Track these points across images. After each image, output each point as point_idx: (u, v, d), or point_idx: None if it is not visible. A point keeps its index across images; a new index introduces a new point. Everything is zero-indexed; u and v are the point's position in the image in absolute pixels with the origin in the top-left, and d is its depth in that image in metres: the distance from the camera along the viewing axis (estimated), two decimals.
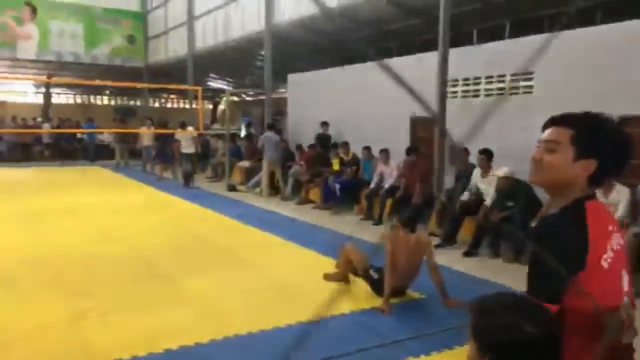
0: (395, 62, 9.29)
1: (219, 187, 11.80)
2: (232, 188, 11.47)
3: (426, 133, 8.35)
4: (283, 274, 5.35)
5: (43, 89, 22.42)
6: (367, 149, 8.66)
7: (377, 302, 4.41)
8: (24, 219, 7.93)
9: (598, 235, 1.35)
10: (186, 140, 12.15)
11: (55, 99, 23.05)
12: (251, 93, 22.17)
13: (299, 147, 10.80)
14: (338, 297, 4.65)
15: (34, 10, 18.14)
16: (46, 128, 17.87)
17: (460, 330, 2.08)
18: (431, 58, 7.89)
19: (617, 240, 1.41)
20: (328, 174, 9.25)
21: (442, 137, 7.21)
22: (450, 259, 5.57)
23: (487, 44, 7.61)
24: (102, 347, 3.59)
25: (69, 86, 23.32)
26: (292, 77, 12.47)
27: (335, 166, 9.44)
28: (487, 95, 7.49)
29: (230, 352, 3.59)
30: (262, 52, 13.56)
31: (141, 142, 14.72)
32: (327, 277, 5.10)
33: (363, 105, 9.61)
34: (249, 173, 12.19)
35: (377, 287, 4.52)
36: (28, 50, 18.32)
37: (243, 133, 19.48)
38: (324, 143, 10.24)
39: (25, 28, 18.16)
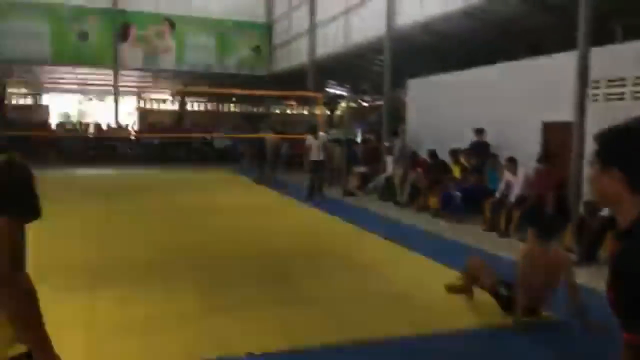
0: (526, 64, 8.74)
1: (334, 192, 11.98)
2: (348, 193, 11.57)
3: (561, 139, 7.72)
4: (403, 281, 5.24)
5: (179, 98, 24.52)
6: (493, 156, 8.21)
7: (506, 319, 4.14)
8: (167, 215, 8.68)
9: None
10: (316, 147, 11.04)
11: (189, 107, 25.05)
12: (368, 99, 22.26)
13: (415, 154, 10.59)
14: (463, 311, 4.44)
15: (172, 26, 19.96)
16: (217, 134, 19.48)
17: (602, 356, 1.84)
18: (565, 58, 7.29)
19: None
20: (448, 181, 8.94)
21: (581, 144, 6.61)
22: (590, 278, 5.06)
23: (636, 42, 6.85)
24: (233, 340, 3.78)
25: (200, 95, 25.21)
26: (412, 82, 12.28)
27: (456, 173, 9.09)
28: (637, 99, 6.72)
29: (354, 357, 3.58)
30: (381, 57, 13.59)
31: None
32: (450, 288, 4.90)
33: (488, 109, 9.15)
34: (365, 178, 12.23)
35: (506, 304, 4.24)
36: (167, 63, 20.21)
37: (359, 138, 19.63)
38: (482, 151, 9.09)
39: (165, 42, 20.05)
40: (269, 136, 14.85)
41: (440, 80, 11.07)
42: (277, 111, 27.19)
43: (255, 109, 26.43)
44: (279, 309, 4.43)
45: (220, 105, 27.37)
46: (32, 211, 1.48)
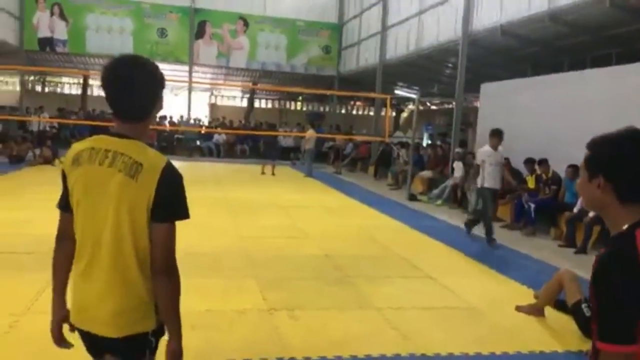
0: (613, 71, 8.14)
1: (399, 195, 11.74)
2: (412, 197, 11.30)
3: None
4: (471, 296, 4.98)
5: (248, 95, 25.06)
6: (573, 167, 7.70)
7: (587, 345, 3.81)
8: (227, 207, 8.82)
9: None
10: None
11: (257, 104, 25.55)
12: (436, 102, 21.74)
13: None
14: (536, 332, 4.15)
15: (246, 24, 20.38)
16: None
17: None
18: None
19: None
20: (522, 192, 8.49)
21: None
22: None
23: None
24: (292, 341, 3.72)
25: (268, 92, 25.64)
26: (485, 87, 11.80)
27: (531, 184, 8.62)
28: None
29: None
30: (453, 60, 13.17)
31: (305, 145, 15.44)
32: (520, 308, 4.61)
33: (569, 118, 8.60)
34: (431, 183, 11.89)
35: (588, 326, 3.91)
36: (239, 60, 20.67)
37: (426, 142, 19.20)
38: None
39: (238, 40, 20.51)
40: (309, 134, 14.98)
41: (518, 85, 10.55)
42: (343, 111, 27.19)
43: (321, 109, 26.56)
44: (339, 313, 4.33)
45: (287, 103, 27.74)
46: (187, 214, 1.71)
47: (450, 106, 14.86)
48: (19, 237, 6.08)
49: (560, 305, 4.43)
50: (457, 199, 10.57)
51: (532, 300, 4.67)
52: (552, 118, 9.10)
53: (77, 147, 1.74)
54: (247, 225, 7.61)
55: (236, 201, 9.73)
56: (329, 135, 18.76)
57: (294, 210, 9.10)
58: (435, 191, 11.13)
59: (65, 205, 1.77)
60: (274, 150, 15.57)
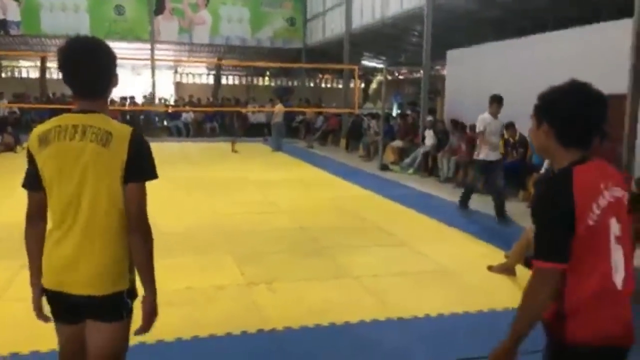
0: (577, 33, 8.27)
1: (371, 166, 11.82)
2: (384, 167, 11.39)
3: (613, 113, 7.29)
4: (444, 259, 5.10)
5: (214, 72, 24.57)
6: None
7: None
8: (199, 186, 8.74)
9: (584, 196, 1.51)
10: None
11: (224, 81, 25.08)
12: (404, 71, 21.77)
13: (458, 126, 10.26)
14: (513, 290, 4.29)
15: None
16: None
17: None
18: (621, 26, 6.83)
19: (611, 193, 1.56)
20: None
21: (634, 120, 6.23)
22: None
23: None
24: (272, 313, 3.75)
25: (234, 68, 25.19)
26: (452, 53, 11.86)
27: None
28: None
29: (394, 334, 3.50)
30: (419, 29, 13.16)
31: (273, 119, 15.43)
32: (492, 268, 4.75)
33: (535, 81, 8.68)
34: (402, 153, 12.00)
35: None
36: (202, 36, 20.16)
37: (395, 112, 19.28)
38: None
39: (200, 14, 19.97)
40: (277, 108, 15.01)
41: (483, 51, 10.64)
42: (312, 85, 26.97)
43: (289, 83, 26.27)
44: (317, 284, 4.38)
45: (255, 79, 27.32)
46: (156, 174, 1.86)
47: (418, 75, 14.91)
48: None
49: (530, 262, 4.58)
50: (428, 167, 10.71)
51: (503, 260, 4.81)
52: (518, 81, 9.22)
53: (41, 127, 1.84)
54: (220, 202, 7.56)
55: (208, 179, 9.63)
56: (298, 109, 18.63)
57: (266, 186, 9.07)
58: (407, 160, 11.24)
59: (33, 184, 1.86)
60: (236, 126, 15.63)
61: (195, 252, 5.18)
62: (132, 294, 1.89)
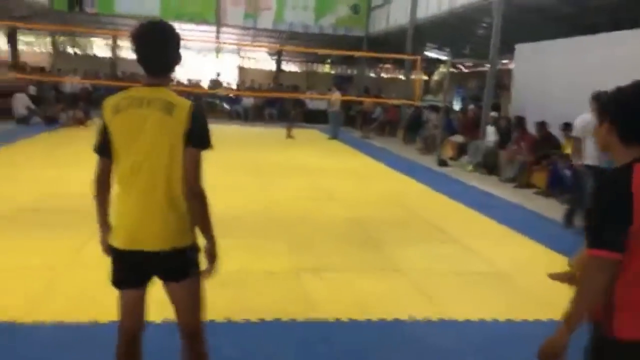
0: None
1: (428, 160, 11.57)
2: (442, 162, 11.12)
3: None
4: (502, 263, 4.92)
5: (275, 58, 24.76)
6: None
7: None
8: (254, 170, 8.85)
9: None
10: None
11: (284, 67, 25.24)
12: (468, 64, 21.09)
13: (521, 124, 9.83)
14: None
15: None
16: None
17: None
18: None
19: None
20: (557, 158, 8.24)
21: None
22: None
23: None
24: (321, 303, 3.75)
25: (296, 55, 25.26)
26: (521, 47, 11.34)
27: (567, 149, 8.34)
28: None
29: (447, 337, 3.40)
30: (487, 20, 12.65)
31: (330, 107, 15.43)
32: (553, 275, 4.48)
33: (605, 80, 8.19)
34: (461, 148, 11.66)
35: None
36: (266, 21, 20.34)
37: (457, 106, 18.75)
38: None
39: (267, 1, 20.13)
40: (334, 96, 14.92)
41: (554, 47, 10.10)
42: (372, 74, 26.69)
43: (349, 71, 26.10)
44: (366, 276, 4.33)
45: (315, 66, 27.32)
46: (211, 145, 2.06)
47: (483, 69, 14.37)
48: (56, 196, 6.25)
49: None
50: (488, 165, 10.35)
51: (566, 268, 4.57)
52: (588, 80, 8.71)
53: (113, 98, 2.09)
54: (274, 188, 7.63)
55: (263, 163, 9.74)
56: (356, 99, 18.48)
57: (320, 173, 9.07)
58: (466, 156, 10.91)
59: (103, 150, 2.09)
60: (293, 113, 15.75)
61: (247, 235, 5.25)
62: (195, 249, 2.12)
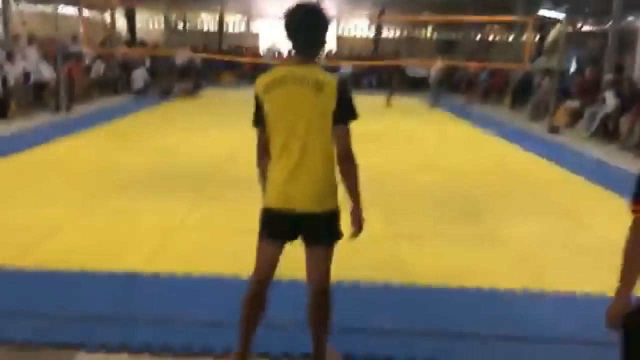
0: None
1: (539, 128, 10.82)
2: (554, 130, 10.35)
3: None
4: (615, 236, 4.51)
5: (376, 25, 24.28)
6: None
7: None
8: (358, 138, 8.86)
9: None
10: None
11: (384, 34, 24.69)
12: (590, 23, 19.19)
13: None
14: None
15: None
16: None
17: None
18: None
19: None
20: None
21: None
22: None
23: None
24: (416, 269, 3.74)
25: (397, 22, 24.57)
26: None
27: None
28: None
29: (545, 308, 3.25)
30: None
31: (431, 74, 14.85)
32: None
33: None
34: (577, 114, 10.75)
35: None
36: None
37: (572, 68, 17.23)
38: None
39: None
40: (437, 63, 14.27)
41: None
42: (477, 38, 25.28)
43: (454, 36, 24.94)
44: (466, 245, 4.23)
45: (417, 31, 26.39)
46: (357, 116, 2.30)
47: (606, 27, 13.00)
48: (169, 164, 6.77)
49: None
50: (608, 131, 9.47)
51: None
52: None
53: (266, 77, 2.27)
54: (372, 155, 7.61)
55: (361, 132, 9.70)
56: (460, 64, 17.66)
57: (421, 141, 8.90)
58: (582, 123, 10.06)
59: (260, 124, 2.30)
60: (392, 80, 15.38)
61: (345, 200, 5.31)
62: (338, 215, 2.32)
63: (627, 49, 14.95)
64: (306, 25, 2.23)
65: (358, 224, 2.36)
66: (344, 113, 2.23)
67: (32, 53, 12.05)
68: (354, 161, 2.27)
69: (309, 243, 2.33)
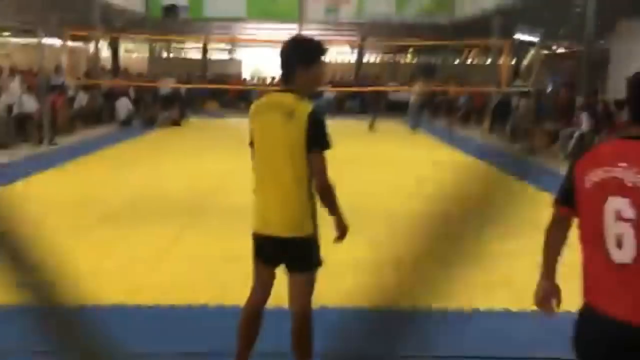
0: None
1: (518, 150, 11.04)
2: (530, 152, 10.57)
3: None
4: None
5: (357, 50, 24.72)
6: None
7: None
8: (334, 163, 8.96)
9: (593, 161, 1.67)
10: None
11: (365, 59, 25.12)
12: (565, 45, 19.79)
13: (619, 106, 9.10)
14: None
15: None
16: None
17: None
18: None
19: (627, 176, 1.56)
20: None
21: None
22: None
23: None
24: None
25: (377, 46, 25.05)
26: (622, 25, 10.51)
27: None
28: None
29: (527, 327, 3.34)
30: None
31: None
32: None
33: None
34: (553, 136, 11.02)
35: None
36: (347, 14, 20.42)
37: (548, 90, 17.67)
38: None
39: None
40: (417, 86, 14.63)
41: None
42: (456, 62, 25.86)
43: (433, 60, 25.45)
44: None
45: (397, 56, 26.89)
46: (330, 145, 2.37)
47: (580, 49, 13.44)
48: (153, 194, 6.79)
49: None
50: (582, 151, 9.73)
51: None
52: None
53: (256, 102, 2.52)
54: (354, 181, 7.71)
55: (343, 156, 9.82)
56: (439, 88, 18.03)
57: (404, 166, 9.03)
58: (558, 145, 10.33)
59: (252, 144, 2.47)
60: (375, 104, 15.71)
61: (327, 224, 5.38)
62: (316, 240, 2.42)
63: (600, 70, 15.45)
64: (281, 55, 2.38)
65: (341, 230, 2.51)
66: (315, 141, 2.30)
67: (15, 85, 12.06)
68: (329, 186, 2.37)
69: (288, 269, 2.43)
